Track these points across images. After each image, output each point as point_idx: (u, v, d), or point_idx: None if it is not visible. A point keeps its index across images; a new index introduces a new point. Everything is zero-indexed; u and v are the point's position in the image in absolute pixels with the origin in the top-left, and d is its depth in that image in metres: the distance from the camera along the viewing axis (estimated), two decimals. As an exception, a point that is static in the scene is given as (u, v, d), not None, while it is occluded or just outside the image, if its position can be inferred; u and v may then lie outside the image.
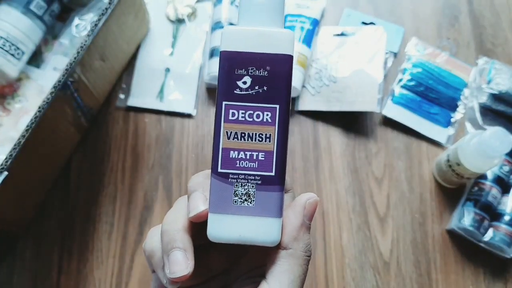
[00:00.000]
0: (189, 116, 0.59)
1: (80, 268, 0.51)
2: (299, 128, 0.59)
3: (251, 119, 0.23)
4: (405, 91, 0.60)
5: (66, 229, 0.53)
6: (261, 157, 0.24)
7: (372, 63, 0.59)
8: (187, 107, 0.59)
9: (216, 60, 0.58)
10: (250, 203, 0.24)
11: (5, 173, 0.42)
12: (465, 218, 0.52)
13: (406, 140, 0.59)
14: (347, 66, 0.60)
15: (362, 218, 0.55)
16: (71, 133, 0.54)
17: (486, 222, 0.52)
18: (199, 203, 0.24)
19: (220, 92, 0.23)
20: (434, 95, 0.60)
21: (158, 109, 0.59)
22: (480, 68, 0.62)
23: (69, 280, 0.51)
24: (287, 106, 0.23)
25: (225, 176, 0.24)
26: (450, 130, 0.60)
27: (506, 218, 0.52)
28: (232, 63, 0.23)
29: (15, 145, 0.43)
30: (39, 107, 0.44)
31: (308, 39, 0.61)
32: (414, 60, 0.62)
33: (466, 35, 0.66)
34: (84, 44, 0.48)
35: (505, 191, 0.54)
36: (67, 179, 0.55)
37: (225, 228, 0.24)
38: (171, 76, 0.61)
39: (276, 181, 0.24)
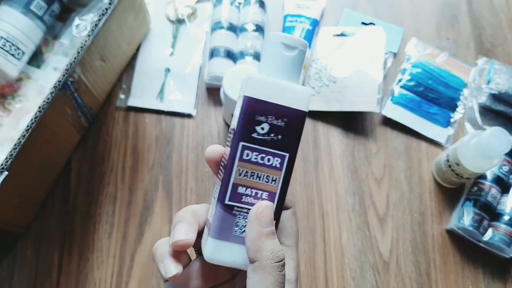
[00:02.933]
0: (189, 116, 0.59)
1: (80, 268, 0.51)
2: (299, 128, 0.59)
3: (262, 162, 0.25)
4: (404, 91, 0.60)
5: (66, 229, 0.53)
6: (265, 196, 0.26)
7: (371, 64, 0.59)
8: (187, 107, 0.59)
9: (216, 61, 0.58)
10: None
11: (5, 173, 0.42)
12: (464, 218, 0.52)
13: (405, 140, 0.59)
14: (346, 66, 0.60)
15: (361, 218, 0.55)
16: (71, 133, 0.54)
17: (485, 222, 0.52)
18: (182, 234, 0.26)
19: (239, 132, 0.25)
20: (433, 95, 0.60)
21: (158, 109, 0.59)
22: (480, 68, 0.63)
23: (69, 280, 0.51)
24: (295, 156, 0.26)
25: (230, 208, 0.26)
26: (450, 130, 0.60)
27: (506, 218, 0.52)
28: (255, 109, 0.25)
29: (15, 145, 0.43)
30: (39, 107, 0.45)
31: (308, 39, 0.61)
32: (413, 60, 0.62)
33: (466, 35, 0.66)
34: (84, 44, 0.48)
35: (504, 191, 0.54)
36: (67, 179, 0.55)
37: (222, 253, 0.26)
38: (171, 76, 0.61)
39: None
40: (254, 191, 0.26)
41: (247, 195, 0.26)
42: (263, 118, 0.25)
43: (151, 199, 0.55)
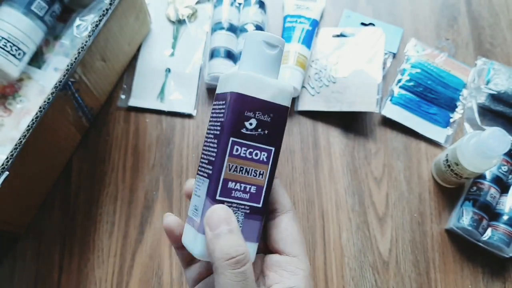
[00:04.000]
0: (189, 116, 0.59)
1: (81, 267, 0.52)
2: (298, 128, 0.60)
3: (250, 156, 0.26)
4: (404, 92, 0.61)
5: (67, 228, 0.53)
6: (253, 190, 0.26)
7: (371, 64, 0.59)
8: (187, 107, 0.59)
9: (216, 61, 0.58)
10: None
11: (6, 173, 0.42)
12: (464, 217, 0.53)
13: (405, 140, 0.60)
14: (346, 66, 0.60)
15: (361, 217, 0.55)
16: (72, 133, 0.54)
17: (484, 222, 0.53)
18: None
19: (227, 128, 0.25)
20: (433, 95, 0.61)
21: (159, 109, 0.59)
22: (479, 69, 0.63)
23: (70, 279, 0.51)
24: (280, 150, 0.27)
25: (221, 203, 0.26)
26: (449, 130, 0.60)
27: (505, 217, 0.53)
28: (244, 105, 0.25)
29: (16, 145, 0.43)
30: (40, 107, 0.45)
31: (308, 40, 0.61)
32: (413, 61, 0.62)
33: (465, 35, 0.66)
34: (85, 45, 0.48)
35: (503, 191, 0.54)
36: (68, 179, 0.56)
37: None
38: (171, 77, 0.61)
39: (261, 212, 0.27)
40: (243, 185, 0.26)
41: (237, 189, 0.26)
42: (251, 114, 0.25)
43: (151, 199, 0.55)
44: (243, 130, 0.25)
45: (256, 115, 0.25)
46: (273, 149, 0.26)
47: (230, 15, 0.61)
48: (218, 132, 0.26)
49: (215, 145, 0.26)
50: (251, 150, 0.26)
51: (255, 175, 0.26)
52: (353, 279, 0.53)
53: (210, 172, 0.26)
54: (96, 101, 0.57)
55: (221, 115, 0.26)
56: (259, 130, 0.26)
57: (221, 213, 0.25)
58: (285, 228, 0.28)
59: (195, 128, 0.59)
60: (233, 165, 0.26)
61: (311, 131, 0.59)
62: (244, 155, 0.26)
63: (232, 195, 0.26)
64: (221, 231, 0.25)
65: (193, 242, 0.27)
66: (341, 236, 0.54)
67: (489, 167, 0.51)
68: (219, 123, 0.26)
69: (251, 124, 0.25)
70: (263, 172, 0.26)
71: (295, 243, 0.28)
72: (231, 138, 0.25)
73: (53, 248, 0.52)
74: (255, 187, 0.26)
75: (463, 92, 0.62)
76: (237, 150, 0.25)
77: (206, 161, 0.27)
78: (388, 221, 0.55)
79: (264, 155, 0.26)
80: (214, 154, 0.26)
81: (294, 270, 0.27)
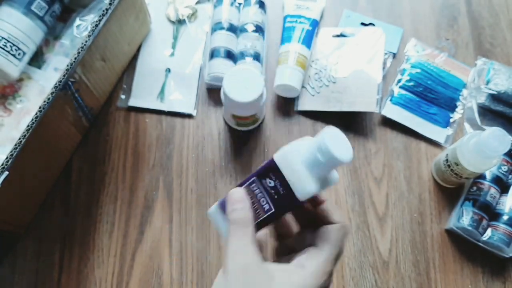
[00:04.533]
0: (189, 116, 0.59)
1: (81, 267, 0.52)
2: (298, 128, 0.60)
3: (258, 198, 0.32)
4: (404, 92, 0.61)
5: (66, 228, 0.53)
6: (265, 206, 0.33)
7: (371, 64, 0.59)
8: (187, 107, 0.59)
9: (216, 61, 0.58)
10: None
11: (6, 173, 0.42)
12: (463, 217, 0.53)
13: (405, 140, 0.60)
14: (346, 66, 0.60)
15: (361, 217, 0.55)
16: (72, 133, 0.54)
17: (484, 222, 0.53)
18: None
19: (257, 172, 0.32)
20: (433, 95, 0.61)
21: (159, 109, 0.59)
22: (479, 69, 0.63)
23: (70, 279, 0.51)
24: (279, 217, 0.33)
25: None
26: (449, 130, 0.60)
27: (505, 217, 0.53)
28: (272, 169, 0.31)
29: (16, 145, 0.43)
30: (40, 107, 0.45)
31: (308, 40, 0.61)
32: (413, 61, 0.62)
33: (465, 35, 0.66)
34: (85, 45, 0.48)
35: (503, 191, 0.54)
36: (68, 179, 0.56)
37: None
38: (171, 77, 0.61)
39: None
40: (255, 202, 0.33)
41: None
42: (274, 178, 0.31)
43: (151, 199, 0.55)
44: (263, 180, 0.32)
45: (276, 182, 0.31)
46: (273, 210, 0.32)
47: (230, 15, 0.61)
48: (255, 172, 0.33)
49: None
50: (261, 194, 0.32)
51: (257, 207, 0.32)
52: (353, 279, 0.53)
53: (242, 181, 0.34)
54: (96, 101, 0.57)
55: (262, 164, 0.32)
56: (273, 191, 0.31)
57: (238, 193, 0.33)
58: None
59: (195, 128, 0.59)
60: (247, 191, 0.33)
61: (311, 131, 0.59)
62: (255, 193, 0.32)
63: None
64: (236, 207, 0.32)
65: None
66: (341, 236, 0.54)
67: (489, 167, 0.51)
68: (258, 167, 0.33)
69: (270, 182, 0.31)
70: (261, 214, 0.32)
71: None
72: (254, 177, 0.32)
73: (53, 248, 0.52)
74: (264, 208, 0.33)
75: (463, 92, 0.62)
76: (254, 186, 0.32)
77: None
78: (388, 221, 0.55)
79: (266, 207, 0.32)
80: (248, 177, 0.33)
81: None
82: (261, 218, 0.32)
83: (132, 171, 0.56)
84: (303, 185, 0.30)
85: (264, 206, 0.32)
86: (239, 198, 0.32)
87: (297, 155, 0.31)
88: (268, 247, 0.36)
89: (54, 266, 0.52)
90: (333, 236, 0.32)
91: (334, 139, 0.30)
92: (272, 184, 0.31)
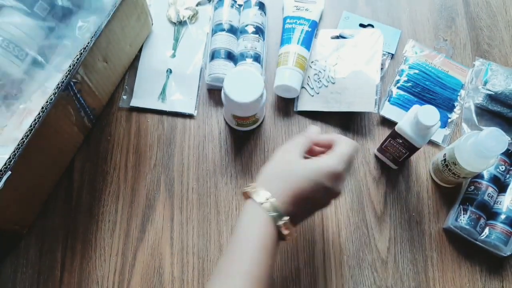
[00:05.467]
0: (190, 116, 0.60)
1: (83, 265, 0.52)
2: (298, 128, 0.60)
3: (398, 146, 0.54)
4: (402, 92, 0.61)
5: (69, 227, 0.54)
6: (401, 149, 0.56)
7: (369, 65, 0.60)
8: (188, 107, 0.60)
9: (216, 62, 0.59)
10: None
11: (9, 172, 0.42)
12: (461, 216, 0.53)
13: (403, 140, 0.60)
14: (345, 67, 0.61)
15: (360, 216, 0.56)
16: (74, 133, 0.55)
17: (482, 221, 0.53)
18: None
19: (389, 135, 0.54)
20: (431, 96, 0.61)
21: (160, 109, 0.60)
22: (477, 69, 0.63)
23: (72, 278, 0.52)
24: (410, 155, 0.55)
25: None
26: (447, 130, 0.60)
27: (502, 216, 0.53)
28: (398, 135, 0.53)
29: (18, 145, 0.43)
30: (42, 108, 0.45)
31: (307, 41, 0.61)
32: (411, 62, 0.63)
33: (463, 36, 0.67)
34: (87, 46, 0.49)
35: (501, 190, 0.55)
36: (70, 178, 0.56)
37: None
38: (172, 77, 0.61)
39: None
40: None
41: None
42: (399, 138, 0.52)
43: (153, 198, 0.55)
44: (395, 139, 0.52)
45: (402, 140, 0.51)
46: (407, 153, 0.53)
47: (230, 17, 0.61)
48: (388, 137, 0.55)
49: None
50: (398, 146, 0.53)
51: (395, 149, 0.54)
52: (352, 277, 0.53)
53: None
54: (98, 102, 0.57)
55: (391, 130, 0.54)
56: (402, 144, 0.52)
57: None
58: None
59: (196, 128, 0.59)
60: (389, 144, 0.55)
61: (310, 131, 0.60)
62: (395, 145, 0.53)
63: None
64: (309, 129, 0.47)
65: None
66: (340, 235, 0.55)
67: (487, 166, 0.51)
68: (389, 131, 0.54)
69: (399, 140, 0.52)
70: (404, 154, 0.54)
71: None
72: (390, 138, 0.53)
73: (55, 247, 0.53)
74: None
75: (461, 92, 0.62)
76: (392, 142, 0.53)
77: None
78: (386, 220, 0.56)
79: (404, 151, 0.53)
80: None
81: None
82: (403, 157, 0.54)
83: (134, 170, 0.57)
84: (416, 140, 0.50)
85: (402, 150, 0.53)
86: (314, 129, 0.47)
87: (406, 125, 0.50)
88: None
89: (56, 265, 0.52)
90: (344, 140, 0.44)
91: (427, 112, 0.48)
92: (400, 141, 0.52)
